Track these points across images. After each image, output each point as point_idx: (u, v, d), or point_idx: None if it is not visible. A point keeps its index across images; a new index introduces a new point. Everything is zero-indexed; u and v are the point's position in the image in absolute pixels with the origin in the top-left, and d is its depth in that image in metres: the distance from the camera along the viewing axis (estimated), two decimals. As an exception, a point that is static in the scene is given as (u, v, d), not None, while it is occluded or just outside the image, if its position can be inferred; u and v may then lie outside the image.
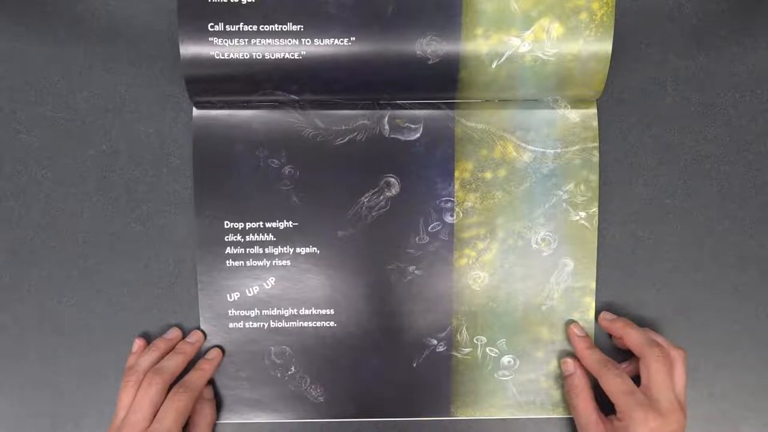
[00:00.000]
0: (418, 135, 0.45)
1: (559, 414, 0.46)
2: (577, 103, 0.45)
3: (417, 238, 0.45)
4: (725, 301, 0.47)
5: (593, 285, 0.46)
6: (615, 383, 0.41)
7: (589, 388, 0.44)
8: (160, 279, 0.46)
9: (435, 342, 0.46)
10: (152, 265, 0.46)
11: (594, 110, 0.45)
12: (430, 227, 0.45)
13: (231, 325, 0.45)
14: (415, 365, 0.46)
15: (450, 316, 0.46)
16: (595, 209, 0.45)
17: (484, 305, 0.46)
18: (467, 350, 0.46)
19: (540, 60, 0.41)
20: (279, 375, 0.46)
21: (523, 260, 0.46)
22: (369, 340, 0.45)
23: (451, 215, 0.45)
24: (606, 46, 0.41)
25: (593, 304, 0.46)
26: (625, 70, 0.46)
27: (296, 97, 0.43)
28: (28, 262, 0.46)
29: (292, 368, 0.46)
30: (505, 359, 0.46)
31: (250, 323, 0.45)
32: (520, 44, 0.41)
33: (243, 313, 0.45)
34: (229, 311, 0.45)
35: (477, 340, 0.46)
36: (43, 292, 0.46)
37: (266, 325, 0.45)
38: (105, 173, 0.46)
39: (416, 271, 0.45)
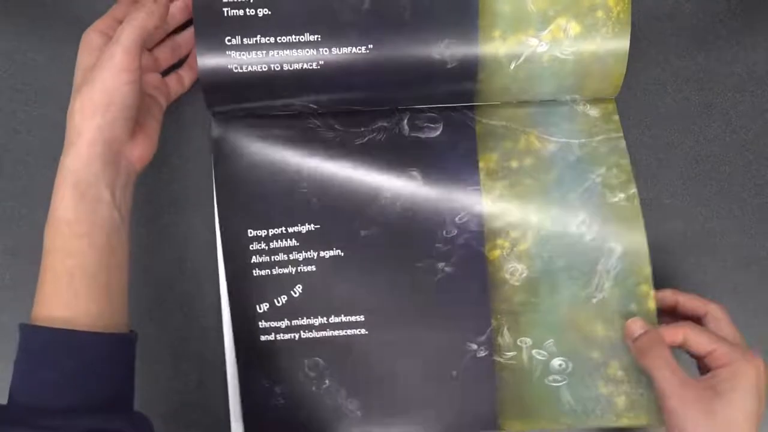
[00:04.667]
0: (438, 133, 0.44)
1: (624, 423, 0.41)
2: (596, 101, 0.45)
3: (444, 231, 0.43)
4: (725, 301, 0.47)
5: (648, 270, 0.42)
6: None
7: (667, 344, 0.39)
8: (159, 279, 0.46)
9: (475, 347, 0.42)
10: (152, 265, 0.46)
11: (613, 105, 0.44)
12: (457, 218, 0.43)
13: (263, 338, 0.43)
14: (455, 374, 0.42)
15: (488, 316, 0.42)
16: (633, 190, 0.43)
17: (525, 302, 0.42)
18: (511, 354, 0.42)
19: (558, 59, 0.41)
20: (314, 389, 0.42)
21: (563, 247, 0.42)
22: (403, 348, 0.42)
23: (479, 204, 0.43)
24: (623, 43, 0.41)
25: (652, 293, 0.41)
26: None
27: (315, 106, 0.43)
28: (28, 262, 0.46)
29: (327, 381, 0.42)
30: (555, 362, 0.42)
31: (281, 335, 0.43)
32: (538, 44, 0.41)
33: (273, 324, 0.43)
34: (260, 323, 0.43)
35: (521, 342, 0.42)
36: (43, 292, 0.46)
37: (297, 336, 0.43)
38: (105, 173, 0.46)
39: (446, 268, 0.43)
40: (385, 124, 0.44)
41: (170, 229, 0.46)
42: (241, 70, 0.40)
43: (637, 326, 0.40)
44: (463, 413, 0.42)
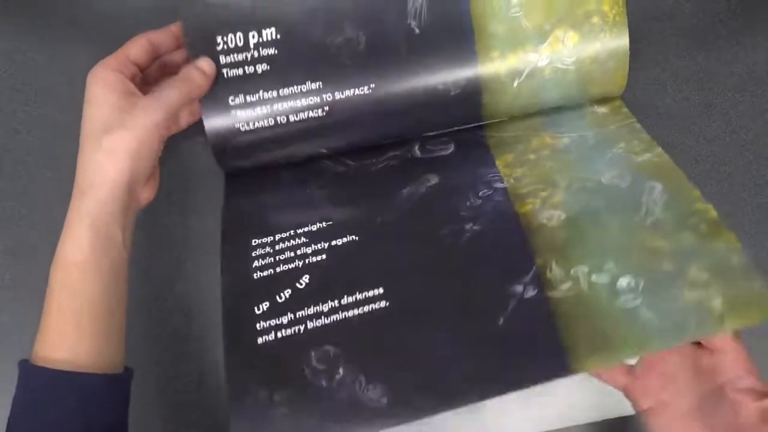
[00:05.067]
0: (451, 151, 0.44)
1: (731, 327, 0.34)
2: (602, 101, 0.45)
3: (468, 203, 0.40)
4: (725, 301, 0.47)
5: (698, 193, 0.38)
6: None
7: None
8: (159, 279, 0.46)
9: (521, 288, 0.36)
10: (152, 265, 0.46)
11: (620, 101, 0.44)
12: (480, 192, 0.41)
13: (260, 340, 0.37)
14: (501, 322, 0.35)
15: (531, 257, 0.37)
16: (659, 149, 0.41)
17: (570, 238, 0.37)
18: (567, 286, 0.36)
19: (560, 70, 0.41)
20: (325, 384, 0.35)
21: (599, 194, 0.39)
22: (433, 311, 0.36)
23: (502, 182, 0.41)
24: (623, 43, 0.41)
25: (710, 205, 0.37)
26: (625, 70, 0.46)
27: (324, 151, 0.43)
28: (28, 262, 0.46)
29: (340, 370, 0.36)
30: (623, 282, 0.35)
31: (283, 331, 0.37)
32: (538, 59, 0.41)
33: (273, 322, 0.37)
34: (258, 325, 0.37)
35: (575, 271, 0.36)
36: (43, 292, 0.46)
37: (302, 329, 0.37)
38: (105, 173, 0.46)
39: (475, 227, 0.39)
40: (397, 153, 0.44)
41: (170, 230, 0.46)
42: (248, 127, 0.41)
43: None
44: (521, 365, 0.35)
